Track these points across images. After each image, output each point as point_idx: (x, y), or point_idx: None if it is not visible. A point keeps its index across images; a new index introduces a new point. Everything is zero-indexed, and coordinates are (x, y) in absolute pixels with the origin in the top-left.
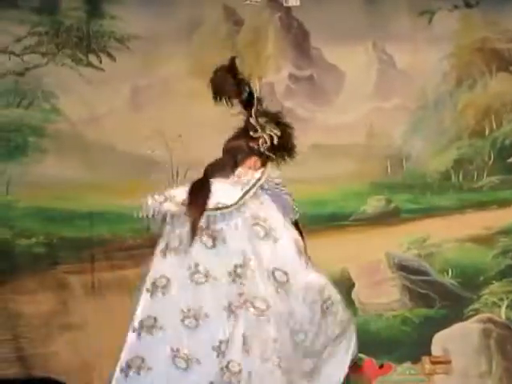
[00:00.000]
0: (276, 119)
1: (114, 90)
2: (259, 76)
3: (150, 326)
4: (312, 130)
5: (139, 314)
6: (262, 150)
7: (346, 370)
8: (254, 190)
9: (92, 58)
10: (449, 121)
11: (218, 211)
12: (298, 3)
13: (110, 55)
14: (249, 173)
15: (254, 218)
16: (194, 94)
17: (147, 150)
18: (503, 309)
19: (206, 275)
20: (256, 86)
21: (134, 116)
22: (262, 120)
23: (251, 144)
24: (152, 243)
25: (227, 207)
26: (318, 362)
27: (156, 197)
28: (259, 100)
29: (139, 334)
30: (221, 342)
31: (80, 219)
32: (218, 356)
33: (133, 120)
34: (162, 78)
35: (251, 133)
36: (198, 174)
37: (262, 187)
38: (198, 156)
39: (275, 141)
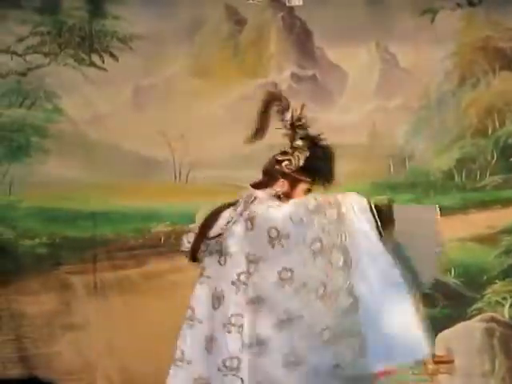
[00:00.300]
0: (314, 142)
1: (117, 89)
2: (302, 104)
3: (177, 359)
4: (314, 129)
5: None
6: (286, 171)
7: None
8: (238, 211)
9: (94, 58)
10: (452, 120)
11: (213, 240)
12: (301, 3)
13: (112, 55)
14: (271, 191)
15: (247, 219)
16: (197, 93)
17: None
18: (506, 308)
19: (219, 297)
20: (293, 111)
21: (136, 116)
22: (298, 143)
23: (276, 166)
24: (153, 243)
25: (219, 234)
26: (346, 251)
27: (190, 234)
28: (298, 125)
29: (171, 368)
30: (224, 361)
31: (83, 219)
32: (225, 375)
33: (135, 120)
34: (165, 77)
35: (278, 156)
36: (201, 173)
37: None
38: (201, 156)
39: (300, 163)
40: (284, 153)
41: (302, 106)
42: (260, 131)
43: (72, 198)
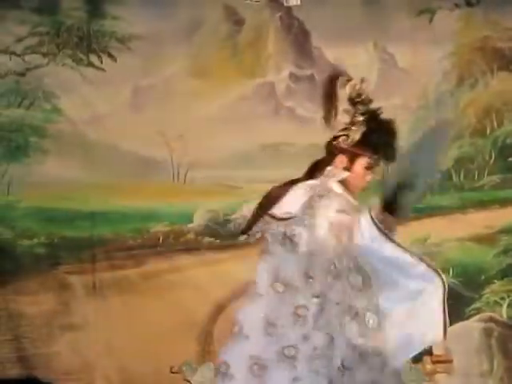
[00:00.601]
0: (373, 117)
1: (115, 90)
2: (362, 78)
3: (235, 333)
4: (312, 129)
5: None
6: (343, 146)
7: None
8: (310, 202)
9: (93, 58)
10: (450, 120)
11: (282, 221)
12: (299, 3)
13: (110, 55)
14: (335, 172)
15: (313, 216)
16: (195, 94)
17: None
18: (504, 308)
19: (285, 284)
20: (355, 87)
21: (135, 116)
22: (358, 118)
23: (334, 142)
24: (152, 243)
25: (288, 218)
26: (363, 271)
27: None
28: (358, 100)
29: (230, 339)
30: (284, 349)
31: (81, 219)
32: (283, 361)
33: (134, 120)
34: (163, 78)
35: (338, 132)
36: (199, 173)
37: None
38: (199, 156)
39: (357, 137)
40: (343, 128)
41: (362, 81)
42: (331, 111)
43: (70, 198)
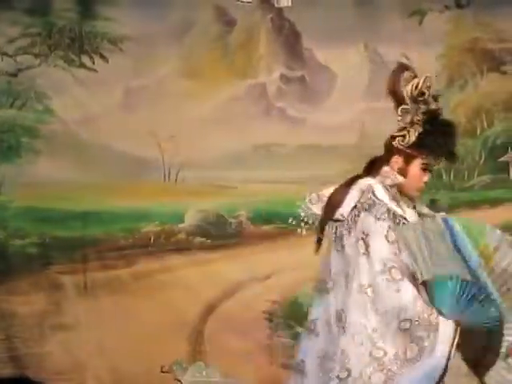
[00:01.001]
0: (433, 117)
1: (107, 90)
2: (425, 76)
3: (311, 329)
4: (303, 130)
5: (310, 314)
6: (399, 147)
7: None
8: (357, 210)
9: (85, 59)
10: None
11: (337, 223)
12: (290, 4)
13: (102, 56)
14: (390, 174)
15: (361, 231)
16: (187, 94)
17: None
18: None
19: (334, 281)
20: (418, 85)
21: (126, 117)
22: (417, 117)
23: (393, 142)
24: (143, 243)
25: (341, 220)
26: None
27: (313, 196)
28: (420, 99)
29: (304, 337)
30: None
31: (73, 219)
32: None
33: (126, 121)
34: (155, 79)
35: (395, 131)
36: (190, 174)
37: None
38: (191, 156)
39: (413, 138)
40: (402, 128)
41: (425, 80)
42: (400, 102)
43: (62, 198)
